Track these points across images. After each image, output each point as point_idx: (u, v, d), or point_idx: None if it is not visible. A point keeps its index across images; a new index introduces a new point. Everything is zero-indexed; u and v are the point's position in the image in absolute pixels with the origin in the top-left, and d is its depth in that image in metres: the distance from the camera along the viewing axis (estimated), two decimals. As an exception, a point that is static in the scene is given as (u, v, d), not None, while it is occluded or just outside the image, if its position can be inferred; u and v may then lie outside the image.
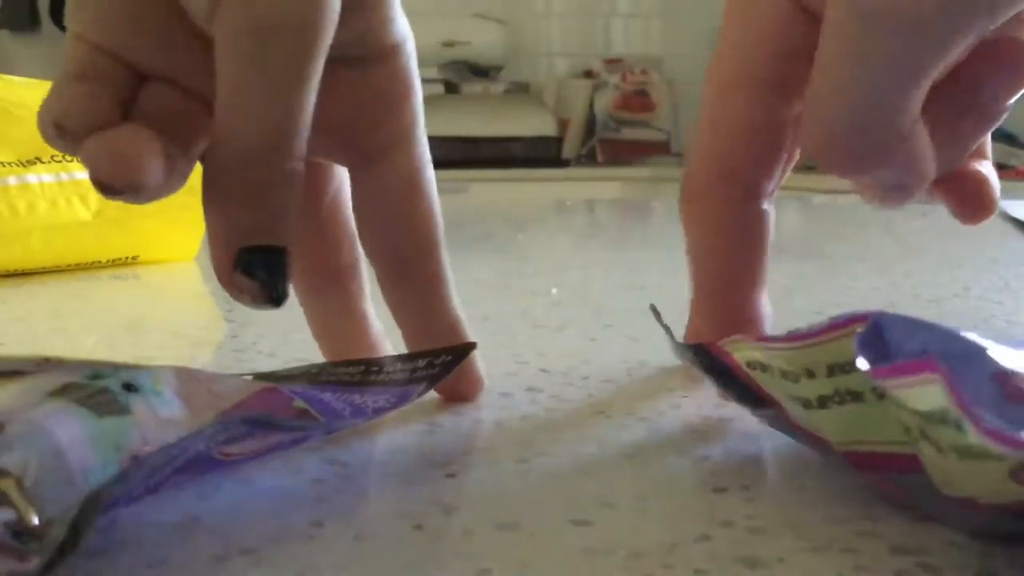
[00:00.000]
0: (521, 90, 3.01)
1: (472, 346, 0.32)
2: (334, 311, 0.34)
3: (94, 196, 0.66)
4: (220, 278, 0.28)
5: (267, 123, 0.27)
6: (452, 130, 2.71)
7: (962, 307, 0.51)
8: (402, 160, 0.32)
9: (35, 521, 0.19)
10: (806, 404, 0.24)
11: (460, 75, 2.98)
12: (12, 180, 0.63)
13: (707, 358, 0.27)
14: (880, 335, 0.22)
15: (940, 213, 0.36)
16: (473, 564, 0.21)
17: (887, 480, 0.23)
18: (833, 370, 0.23)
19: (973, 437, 0.19)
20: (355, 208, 0.33)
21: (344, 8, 0.28)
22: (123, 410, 0.22)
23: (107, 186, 0.26)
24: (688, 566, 0.20)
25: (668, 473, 0.26)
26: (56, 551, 0.18)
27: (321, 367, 0.32)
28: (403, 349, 0.34)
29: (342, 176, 0.34)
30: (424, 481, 0.26)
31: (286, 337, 0.43)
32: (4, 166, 0.63)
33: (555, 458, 0.27)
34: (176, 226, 0.69)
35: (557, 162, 2.85)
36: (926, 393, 0.20)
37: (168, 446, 0.21)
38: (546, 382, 0.35)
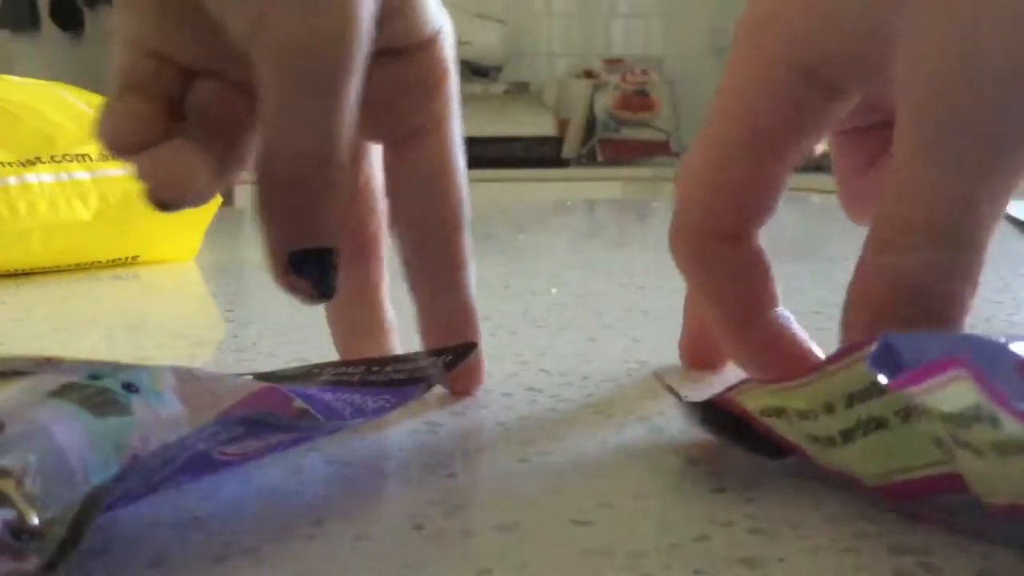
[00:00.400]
0: (521, 90, 3.01)
1: (473, 345, 0.33)
2: (350, 288, 0.34)
3: (94, 196, 0.66)
4: (275, 278, 0.30)
5: (312, 140, 0.28)
6: (452, 130, 2.71)
7: (962, 307, 0.51)
8: (437, 141, 0.33)
9: (35, 521, 0.19)
10: (830, 442, 0.23)
11: (460, 75, 2.98)
12: (12, 180, 0.63)
13: (718, 415, 0.26)
14: (896, 355, 0.21)
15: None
16: (473, 564, 0.21)
17: (926, 504, 0.22)
18: (852, 399, 0.22)
19: (1010, 426, 0.18)
20: (388, 183, 0.34)
21: (382, 15, 0.29)
22: (123, 410, 0.22)
23: (163, 202, 0.28)
24: (688, 566, 0.20)
25: (668, 473, 0.26)
26: (56, 550, 0.18)
27: (321, 367, 0.32)
28: (412, 341, 0.34)
29: (375, 152, 0.35)
30: (424, 481, 0.26)
31: (286, 337, 0.43)
32: (4, 166, 0.63)
33: (555, 458, 0.27)
34: (176, 226, 0.69)
35: (557, 162, 2.85)
36: (955, 392, 0.19)
37: (168, 446, 0.21)
38: (546, 382, 0.35)
